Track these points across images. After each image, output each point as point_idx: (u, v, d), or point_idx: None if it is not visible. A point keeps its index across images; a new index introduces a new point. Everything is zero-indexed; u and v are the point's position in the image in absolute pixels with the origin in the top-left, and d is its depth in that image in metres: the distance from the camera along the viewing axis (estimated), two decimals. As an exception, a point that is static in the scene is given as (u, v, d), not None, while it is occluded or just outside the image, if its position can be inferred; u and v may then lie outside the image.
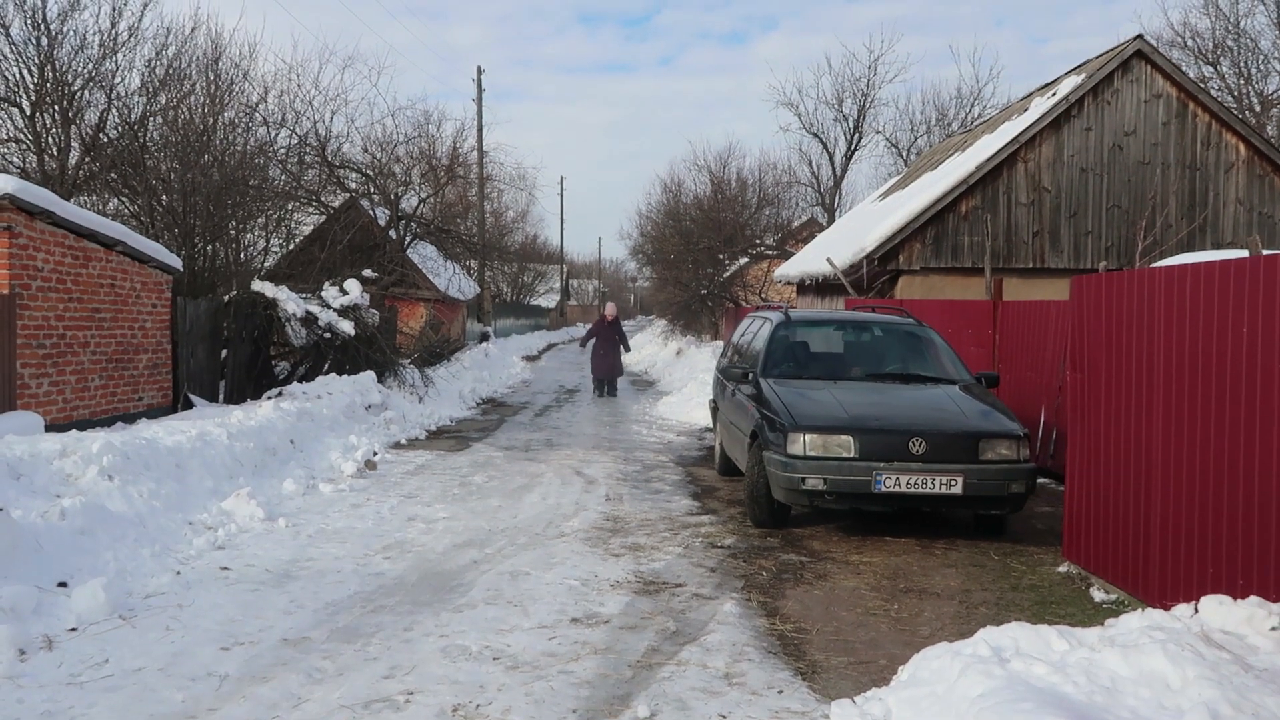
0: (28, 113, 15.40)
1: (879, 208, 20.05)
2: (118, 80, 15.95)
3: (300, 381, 14.06)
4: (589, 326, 20.84)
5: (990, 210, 15.53)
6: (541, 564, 7.04)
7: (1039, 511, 9.25)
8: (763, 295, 31.96)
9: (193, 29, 23.01)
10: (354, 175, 22.22)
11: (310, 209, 20.83)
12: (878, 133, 41.82)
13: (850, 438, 7.62)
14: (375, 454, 11.43)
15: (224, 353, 13.62)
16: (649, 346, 37.04)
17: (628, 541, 7.76)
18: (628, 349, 21.02)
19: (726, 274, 33.77)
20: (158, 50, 16.54)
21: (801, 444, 7.68)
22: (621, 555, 7.30)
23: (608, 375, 20.23)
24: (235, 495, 8.22)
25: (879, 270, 15.65)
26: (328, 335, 14.58)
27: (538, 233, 64.42)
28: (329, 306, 14.76)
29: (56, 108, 15.40)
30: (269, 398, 12.59)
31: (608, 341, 20.13)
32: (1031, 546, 7.90)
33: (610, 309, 20.47)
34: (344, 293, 15.22)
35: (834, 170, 36.93)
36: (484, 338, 33.26)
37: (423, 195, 23.51)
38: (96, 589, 5.61)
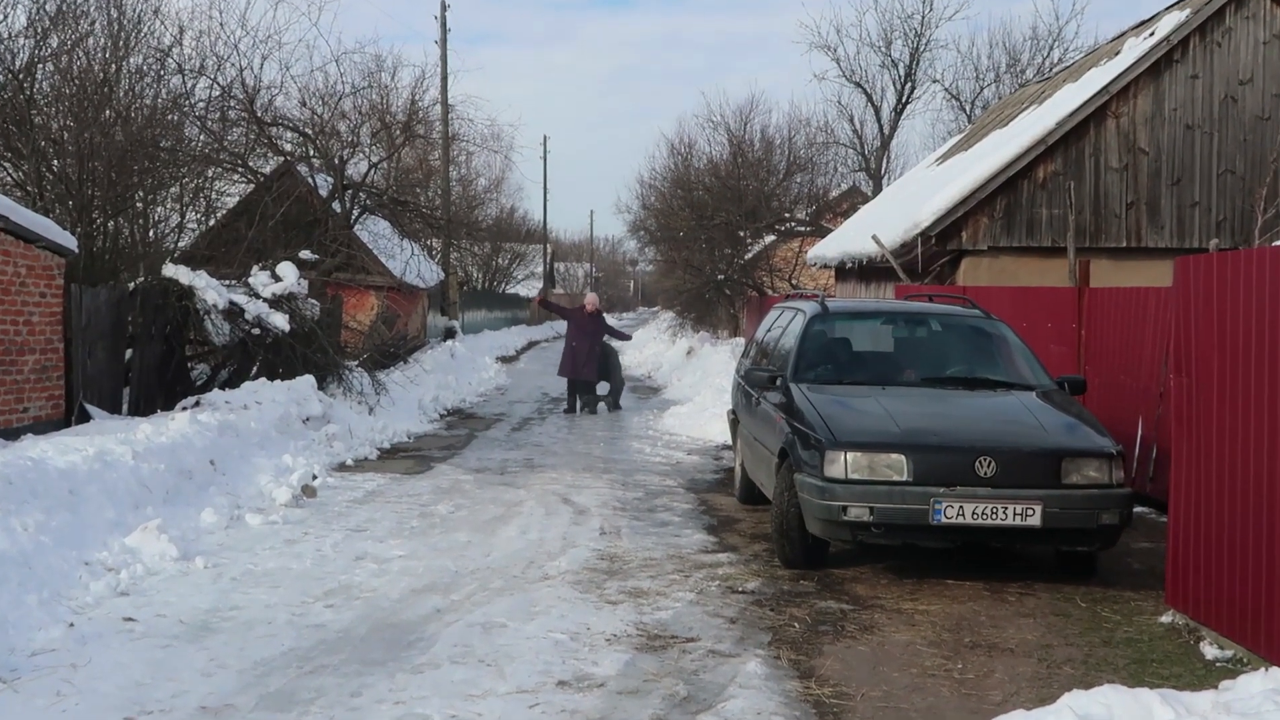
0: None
1: (936, 174, 20.06)
2: (-2, 19, 15.98)
3: (223, 388, 14.01)
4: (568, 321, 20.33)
5: (1074, 177, 15.52)
6: (520, 613, 7.02)
7: (1136, 548, 9.23)
8: (793, 281, 31.97)
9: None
10: (289, 135, 22.23)
11: (235, 176, 20.85)
12: (934, 81, 41.88)
13: (902, 457, 7.65)
14: (315, 477, 11.44)
15: (129, 353, 13.61)
16: (653, 344, 37.18)
17: (627, 585, 7.75)
18: (621, 340, 20.63)
19: (749, 255, 33.85)
20: (48, -18, 16.57)
21: (842, 464, 7.71)
22: (620, 602, 7.30)
23: (584, 383, 19.63)
24: (143, 529, 8.19)
25: (937, 250, 15.66)
26: (256, 331, 14.55)
27: (516, 205, 64.47)
28: (258, 296, 14.73)
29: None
30: (184, 408, 12.55)
31: (585, 340, 19.58)
32: (1127, 591, 7.89)
33: (591, 300, 20.14)
34: (276, 279, 15.18)
35: (881, 128, 37.01)
36: (449, 334, 33.33)
37: (374, 159, 23.52)
38: (-30, 645, 5.59)
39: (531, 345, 46.40)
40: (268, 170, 21.46)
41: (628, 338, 21.84)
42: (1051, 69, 29.75)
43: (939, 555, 8.72)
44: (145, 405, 13.34)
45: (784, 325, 10.66)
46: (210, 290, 13.96)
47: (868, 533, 7.71)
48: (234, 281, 15.10)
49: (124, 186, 15.52)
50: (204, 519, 9.25)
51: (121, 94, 16.80)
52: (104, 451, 9.16)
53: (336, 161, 21.91)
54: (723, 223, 32.14)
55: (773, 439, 9.02)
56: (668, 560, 8.56)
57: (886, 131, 36.92)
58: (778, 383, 9.23)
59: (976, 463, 7.57)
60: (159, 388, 13.76)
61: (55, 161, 15.28)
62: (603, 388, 20.34)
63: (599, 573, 8.11)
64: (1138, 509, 10.47)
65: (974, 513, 7.51)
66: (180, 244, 17.38)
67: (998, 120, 21.23)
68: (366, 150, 23.39)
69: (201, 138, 19.50)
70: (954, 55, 70.26)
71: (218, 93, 20.01)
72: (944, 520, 7.52)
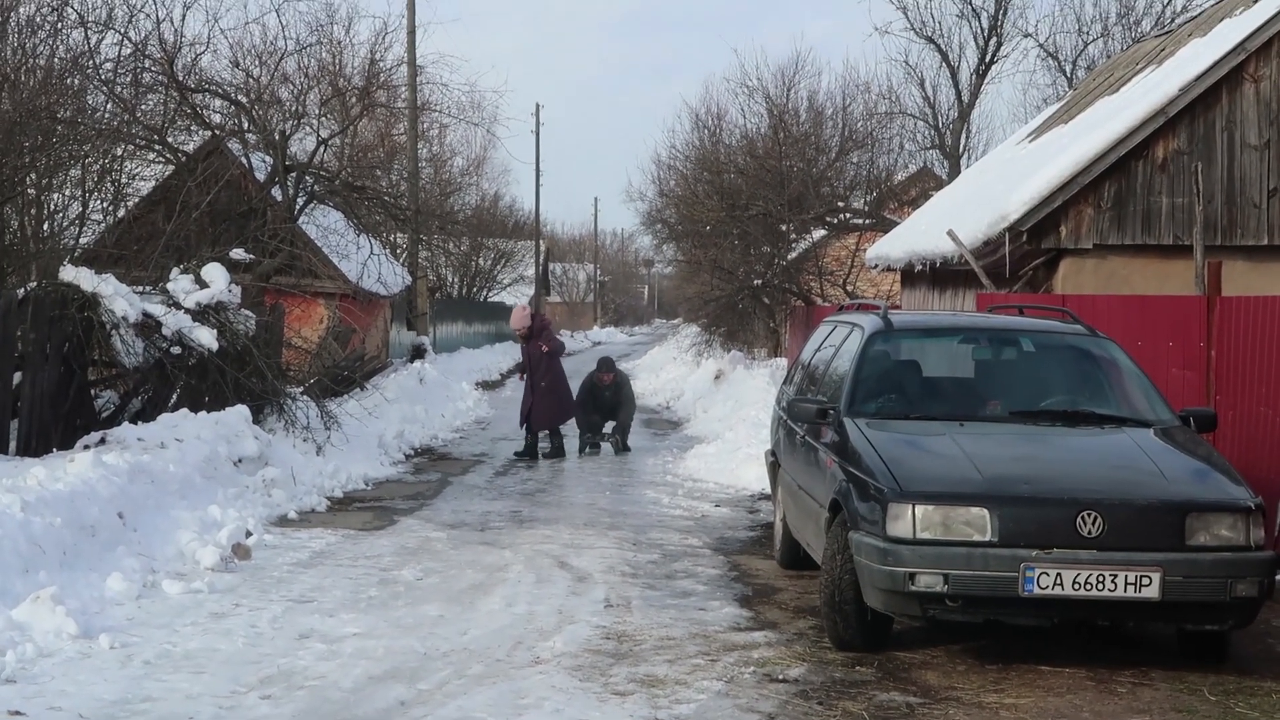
0: None
1: (1029, 152, 20.00)
2: None
3: (135, 421, 14.01)
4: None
5: (1202, 157, 15.47)
6: (505, 708, 6.98)
7: (1279, 625, 9.19)
8: (849, 288, 31.91)
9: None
10: (218, 104, 22.35)
11: (151, 156, 20.91)
12: (1026, 35, 41.45)
13: (985, 512, 7.66)
14: (249, 534, 11.43)
15: (17, 377, 13.61)
16: (672, 366, 37.20)
17: (639, 672, 7.72)
18: (554, 376, 19.19)
19: (793, 254, 33.76)
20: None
21: (909, 521, 7.71)
22: (629, 694, 7.27)
23: (543, 423, 19.15)
24: (33, 599, 8.14)
25: (1029, 250, 15.55)
26: (177, 350, 14.54)
27: (502, 191, 64.48)
28: (179, 306, 14.72)
29: None
30: (87, 446, 12.54)
31: (531, 368, 19.31)
32: (1268, 680, 7.85)
33: (518, 315, 19.74)
34: (202, 284, 15.18)
35: (959, 94, 36.98)
36: (418, 353, 33.27)
37: (324, 134, 23.61)
38: None
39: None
40: (191, 148, 21.54)
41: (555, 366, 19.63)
42: (1173, 20, 29.74)
43: (1031, 635, 8.65)
44: (38, 443, 13.28)
45: (837, 344, 10.64)
46: (119, 299, 13.89)
47: (941, 606, 7.69)
48: (149, 288, 15.07)
49: (12, 168, 15.55)
50: (110, 586, 9.16)
51: (8, 53, 16.86)
52: (-15, 502, 9.15)
53: (277, 137, 21.99)
54: (760, 213, 32.07)
55: (822, 488, 9.00)
56: (690, 640, 8.52)
57: (966, 99, 36.90)
58: (829, 417, 9.22)
59: (1079, 519, 7.57)
60: (55, 421, 13.67)
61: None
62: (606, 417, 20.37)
63: (604, 655, 8.08)
64: (1283, 576, 10.47)
65: (1075, 582, 7.48)
66: (82, 240, 17.39)
67: (1106, 85, 21.20)
68: (315, 123, 23.52)
69: (109, 107, 19.56)
70: (1050, 4, 70.21)
71: (129, 50, 20.13)
72: (1037, 591, 7.49)
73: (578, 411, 19.65)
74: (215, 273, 15.39)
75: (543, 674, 7.64)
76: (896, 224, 26.58)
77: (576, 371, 21.59)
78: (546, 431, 19.26)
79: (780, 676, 7.70)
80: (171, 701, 6.94)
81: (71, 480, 10.38)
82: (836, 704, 7.19)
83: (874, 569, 7.79)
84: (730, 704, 7.13)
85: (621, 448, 19.88)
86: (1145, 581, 7.48)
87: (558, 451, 19.21)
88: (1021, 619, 7.84)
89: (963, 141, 36.82)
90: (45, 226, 16.53)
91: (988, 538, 7.60)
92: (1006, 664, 8.05)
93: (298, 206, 22.52)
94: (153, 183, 21.19)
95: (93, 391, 15.02)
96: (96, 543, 9.93)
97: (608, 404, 20.29)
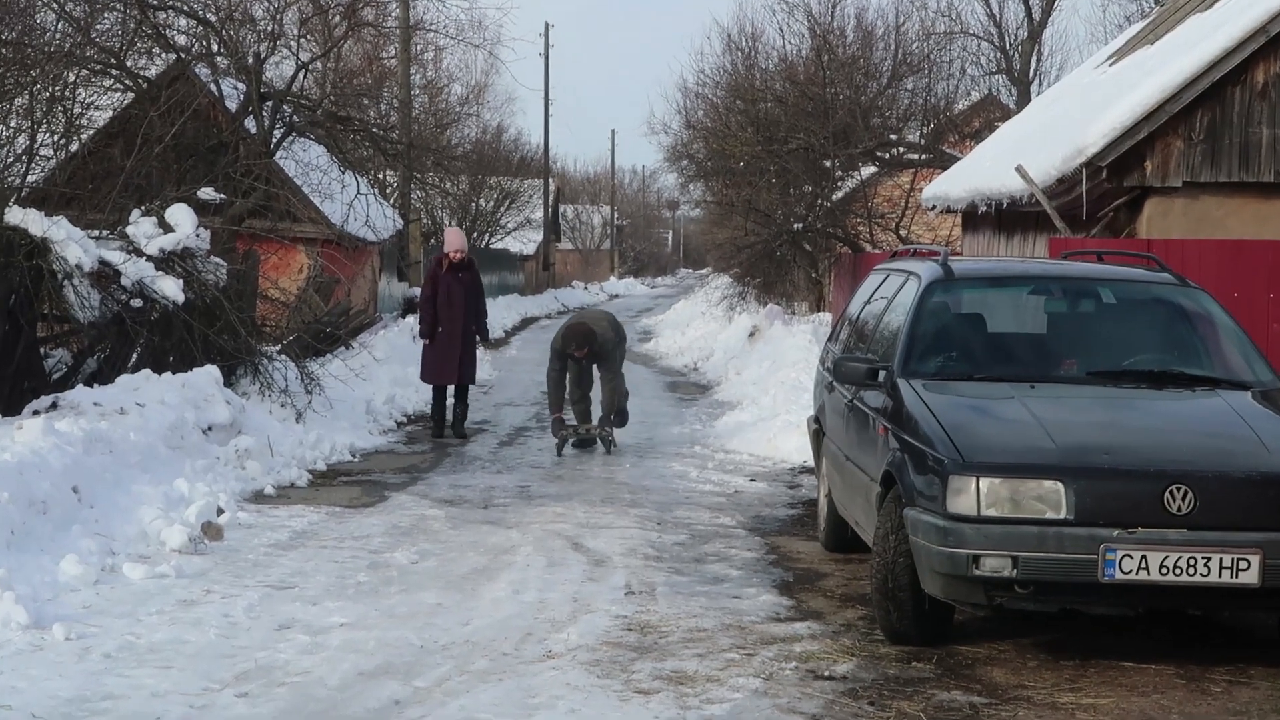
0: None
1: (1109, 77, 19.84)
2: None
3: (90, 384, 13.96)
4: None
5: (1309, 81, 15.33)
6: (514, 707, 7.01)
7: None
8: (902, 233, 31.81)
9: None
10: (185, 22, 22.26)
11: (108, 82, 20.84)
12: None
13: (1060, 485, 7.64)
14: (221, 512, 11.37)
15: (-44, 334, 13.67)
16: (700, 323, 37.02)
17: (665, 668, 7.73)
18: (483, 333, 18.18)
19: (838, 194, 33.67)
20: None
21: (973, 496, 7.70)
22: (654, 692, 7.28)
23: (446, 383, 17.70)
24: None
25: (1109, 188, 15.50)
26: (138, 303, 14.58)
27: (506, 123, 64.30)
28: (140, 253, 14.72)
29: None
30: (36, 412, 12.55)
31: (453, 315, 17.43)
32: (1385, 678, 7.85)
33: (454, 239, 17.96)
34: (166, 228, 15.17)
35: (1029, 12, 36.74)
36: (410, 307, 33.14)
37: (304, 57, 23.51)
38: None
39: (528, 323, 46.40)
40: (153, 74, 21.44)
41: (484, 333, 18.41)
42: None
43: (1111, 626, 8.65)
44: None
45: (889, 295, 10.61)
46: (72, 244, 13.81)
47: (1009, 593, 7.69)
48: (106, 232, 15.02)
49: (-50, 97, 15.58)
50: (64, 570, 9.17)
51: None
52: (-78, 475, 9.27)
53: (250, 61, 21.89)
54: (801, 148, 31.90)
55: (873, 459, 9.00)
56: (722, 632, 8.52)
57: (1037, 16, 36.67)
58: (880, 378, 9.20)
59: (1167, 494, 7.55)
60: (0, 383, 13.75)
61: None
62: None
63: (624, 649, 8.09)
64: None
65: (1162, 565, 7.46)
66: (29, 178, 17.33)
67: (1198, 0, 21.03)
68: (293, 45, 23.43)
69: (60, 27, 19.50)
70: (1134, -94, 69.76)
71: (82, -38, 20.07)
72: (1119, 576, 7.48)
73: (552, 390, 16.78)
74: (181, 215, 15.36)
75: (555, 670, 7.64)
76: (957, 159, 26.51)
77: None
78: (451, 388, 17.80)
79: (825, 673, 7.70)
80: (136, 700, 6.95)
81: (19, 450, 10.32)
82: (890, 704, 7.19)
83: (932, 551, 7.77)
84: (769, 704, 7.13)
85: (610, 442, 16.64)
86: (1243, 565, 7.44)
87: (459, 427, 17.75)
88: (1100, 607, 7.92)
89: (1033, 65, 36.65)
90: (-13, 163, 16.39)
91: (1062, 515, 7.59)
92: (1084, 659, 8.03)
93: (274, 140, 22.40)
94: (110, 113, 21.06)
95: (42, 350, 14.99)
96: (48, 521, 9.93)
97: (586, 372, 17.06)
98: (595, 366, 16.86)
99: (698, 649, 8.12)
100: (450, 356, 17.56)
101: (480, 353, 20.07)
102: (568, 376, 16.73)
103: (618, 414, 16.88)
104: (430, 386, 18.15)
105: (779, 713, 7.01)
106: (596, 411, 17.02)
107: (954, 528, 7.67)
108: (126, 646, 7.88)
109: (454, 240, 18.17)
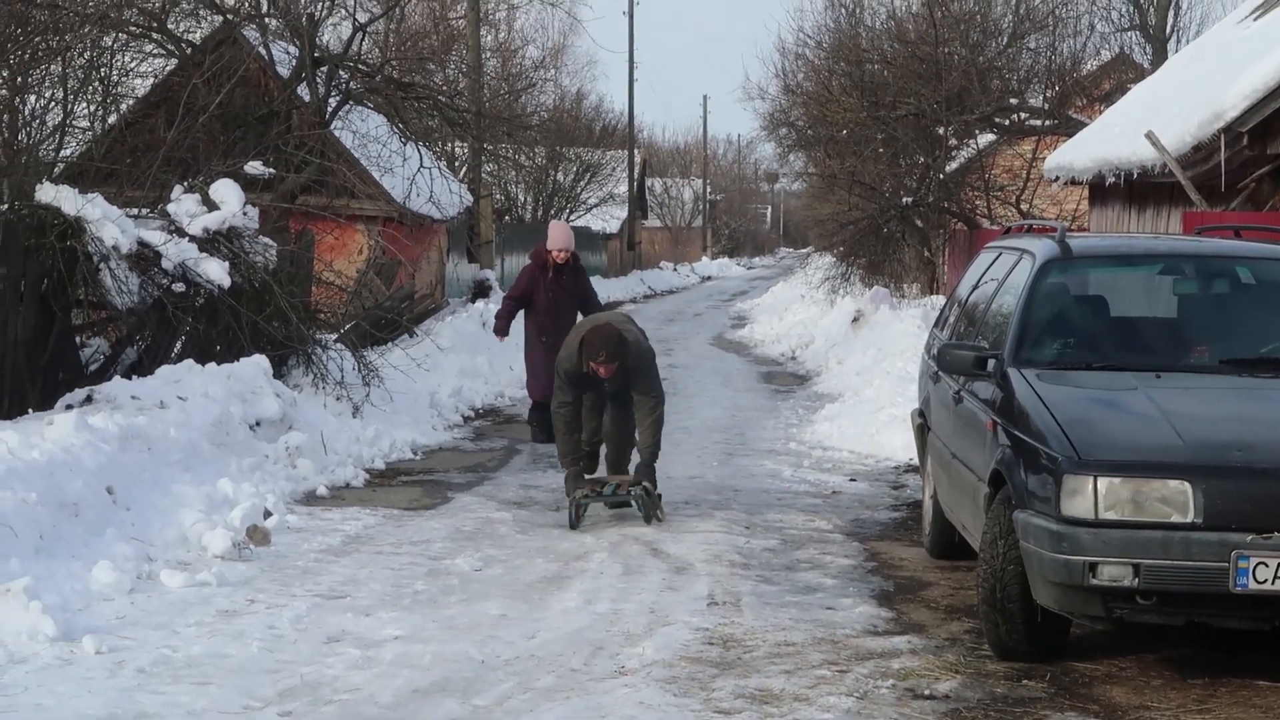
0: None
1: (1253, 33, 19.61)
2: None
3: (129, 375, 14.09)
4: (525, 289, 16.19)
5: None
6: (584, 731, 7.14)
7: None
8: (1023, 207, 31.70)
9: None
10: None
11: (149, 47, 21.10)
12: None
13: (1187, 485, 7.53)
14: (268, 514, 11.45)
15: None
16: (799, 307, 37.19)
17: (748, 686, 7.73)
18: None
19: (953, 165, 33.58)
20: None
21: (1090, 497, 7.60)
22: (736, 712, 7.32)
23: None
24: (2, 592, 8.28)
25: (1251, 156, 15.38)
26: (180, 287, 14.63)
27: (586, 89, 64.51)
28: (183, 233, 14.78)
29: None
30: (70, 406, 12.60)
31: (555, 314, 15.53)
32: None
33: (558, 234, 16.19)
34: (211, 206, 15.25)
35: (1166, -42, 36.17)
36: (481, 291, 33.74)
37: (362, 18, 23.50)
38: None
39: (610, 308, 46.46)
40: (198, 37, 21.74)
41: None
42: None
43: (1246, 642, 8.42)
44: (10, 402, 13.37)
45: (1000, 276, 10.52)
46: (109, 224, 13.86)
47: (1130, 604, 7.62)
48: (146, 210, 15.17)
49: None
50: (97, 578, 9.22)
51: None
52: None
53: (304, 22, 22.06)
54: (911, 114, 31.75)
55: (980, 457, 8.91)
56: (813, 646, 8.53)
57: (1175, -35, 36.22)
58: (989, 367, 9.12)
59: (1307, 496, 7.44)
60: (31, 375, 13.75)
61: None
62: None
63: (705, 665, 8.10)
64: None
65: (1303, 576, 7.36)
66: (64, 152, 17.45)
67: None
68: (351, 3, 23.35)
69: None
70: None
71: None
72: (1252, 586, 7.39)
73: (562, 432, 12.43)
74: (227, 191, 15.44)
75: (628, 687, 7.66)
76: (1084, 125, 26.20)
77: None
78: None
79: (927, 692, 7.68)
80: (170, 718, 7.03)
81: (50, 448, 10.42)
82: (999, 728, 7.18)
83: (1045, 557, 7.66)
84: (865, 728, 7.11)
85: (650, 509, 12.05)
86: (1394, 576, 7.34)
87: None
88: (1232, 621, 7.73)
89: (1170, 20, 36.33)
90: (21, 136, 16.43)
91: (1190, 518, 7.49)
92: (1213, 678, 7.99)
93: (330, 109, 22.66)
94: (151, 80, 21.56)
95: (77, 339, 15.10)
96: (80, 524, 10.01)
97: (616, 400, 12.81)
98: (622, 391, 12.47)
99: (785, 665, 8.13)
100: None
101: None
102: (583, 408, 12.54)
103: (646, 469, 12.23)
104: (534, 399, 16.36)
105: (876, 738, 7.05)
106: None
107: (1069, 532, 7.57)
108: (162, 661, 7.92)
109: (558, 237, 16.34)
